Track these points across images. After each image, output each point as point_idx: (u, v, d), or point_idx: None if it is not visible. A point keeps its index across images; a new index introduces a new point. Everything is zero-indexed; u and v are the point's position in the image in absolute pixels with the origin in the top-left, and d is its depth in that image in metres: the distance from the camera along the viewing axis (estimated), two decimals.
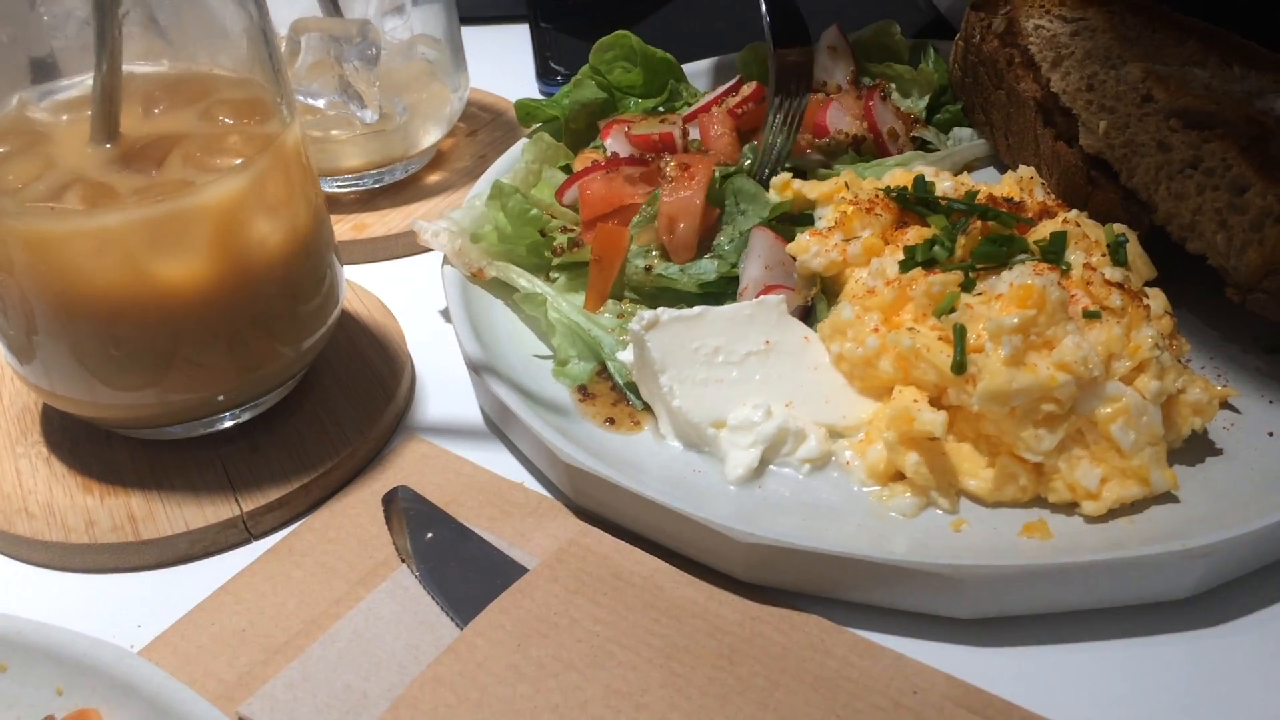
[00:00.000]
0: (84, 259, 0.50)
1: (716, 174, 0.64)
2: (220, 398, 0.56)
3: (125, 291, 0.50)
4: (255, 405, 0.58)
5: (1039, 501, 0.52)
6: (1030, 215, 0.61)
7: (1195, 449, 0.54)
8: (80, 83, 0.55)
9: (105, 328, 0.51)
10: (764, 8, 0.69)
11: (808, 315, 0.62)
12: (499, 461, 0.58)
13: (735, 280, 0.62)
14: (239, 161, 0.52)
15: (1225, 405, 0.56)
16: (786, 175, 0.67)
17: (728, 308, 0.58)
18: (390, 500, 0.55)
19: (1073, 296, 0.53)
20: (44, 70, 0.56)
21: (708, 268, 0.62)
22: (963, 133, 0.78)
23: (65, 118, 0.55)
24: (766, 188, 0.67)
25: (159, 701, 0.42)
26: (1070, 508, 0.51)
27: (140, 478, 0.56)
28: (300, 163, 0.56)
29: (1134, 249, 0.58)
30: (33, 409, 0.60)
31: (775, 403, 0.55)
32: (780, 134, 0.69)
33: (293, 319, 0.56)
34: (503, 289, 0.66)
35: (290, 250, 0.55)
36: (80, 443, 0.58)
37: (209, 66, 0.57)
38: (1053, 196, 0.63)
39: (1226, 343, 0.61)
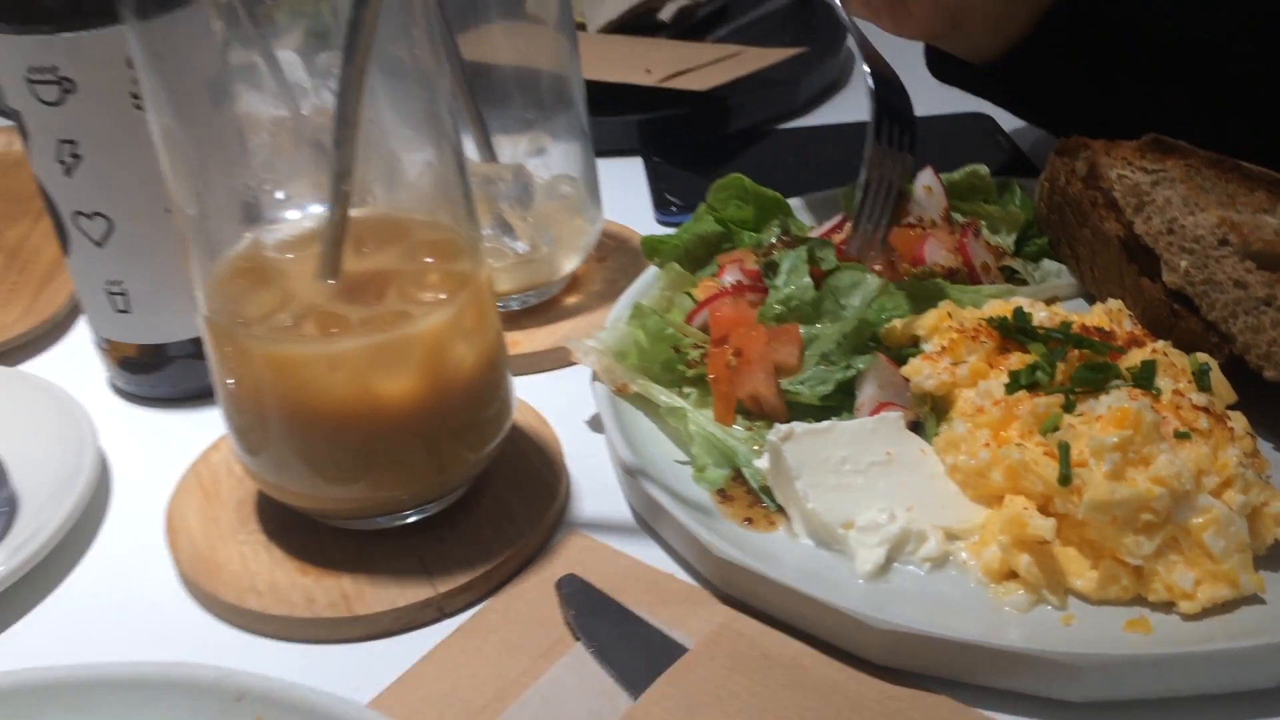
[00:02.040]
0: (319, 376, 0.60)
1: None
2: (407, 496, 0.65)
3: (351, 403, 0.60)
4: (441, 501, 0.67)
5: (1139, 600, 0.59)
6: (1120, 344, 0.68)
7: (1278, 556, 0.60)
8: (294, 225, 0.66)
9: (332, 433, 0.61)
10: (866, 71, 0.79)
11: (917, 429, 0.69)
12: (651, 555, 0.66)
13: (851, 389, 0.70)
14: (444, 296, 0.62)
15: None
16: (899, 322, 0.74)
17: (853, 423, 0.66)
18: (561, 586, 0.63)
19: (1164, 419, 0.61)
20: (252, 214, 0.67)
21: (826, 377, 0.70)
22: (1050, 265, 0.86)
23: (290, 256, 0.65)
24: (865, 261, 0.77)
25: None
26: (1168, 606, 0.58)
27: (349, 563, 0.65)
28: (490, 295, 0.66)
29: (1216, 376, 0.65)
30: (249, 502, 0.70)
31: (898, 507, 0.63)
32: (878, 197, 0.77)
33: (477, 427, 0.66)
34: (643, 402, 0.75)
35: (480, 369, 0.64)
36: (293, 532, 0.67)
37: (409, 212, 0.67)
38: (1140, 327, 0.71)
39: None
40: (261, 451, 0.64)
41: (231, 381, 0.63)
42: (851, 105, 1.27)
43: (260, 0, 0.63)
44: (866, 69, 0.82)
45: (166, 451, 0.76)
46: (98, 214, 0.76)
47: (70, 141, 0.74)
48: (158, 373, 0.83)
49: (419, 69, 0.62)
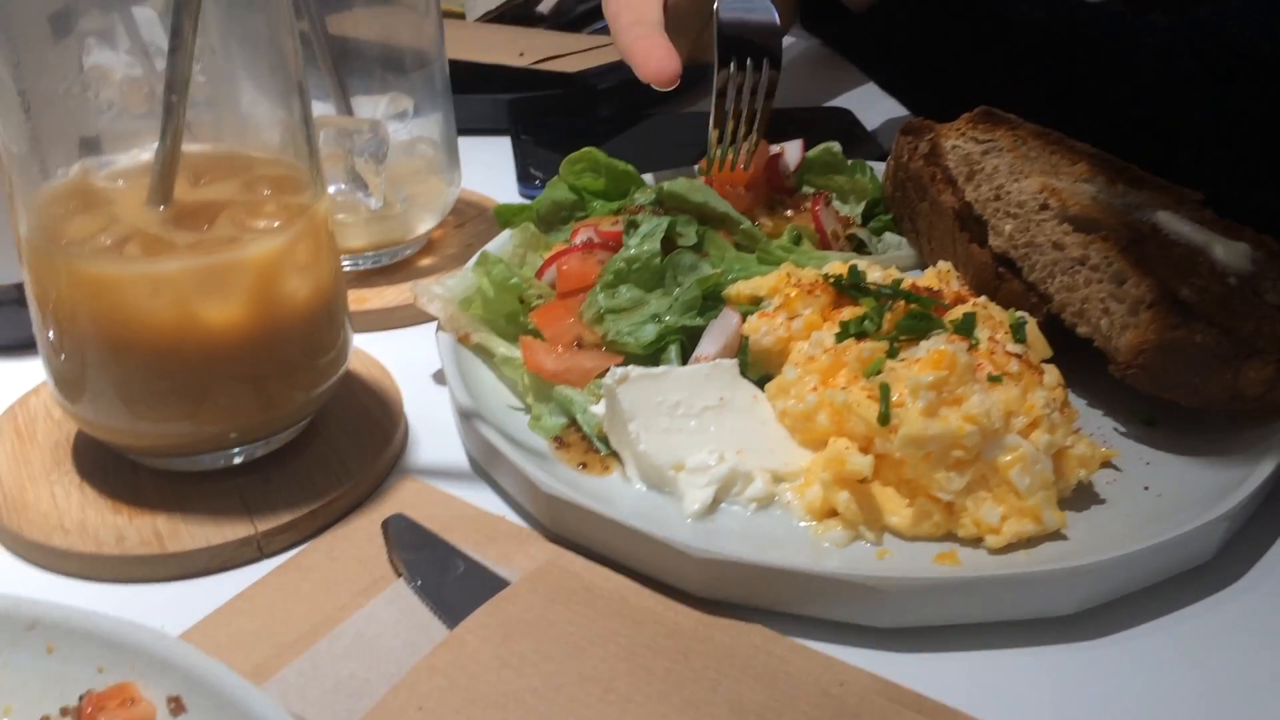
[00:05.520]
0: (140, 300, 0.58)
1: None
2: (234, 434, 0.63)
3: (173, 330, 0.59)
4: (269, 442, 0.66)
5: (950, 536, 0.61)
6: (947, 301, 0.71)
7: (1082, 498, 0.63)
8: (131, 156, 0.64)
9: (153, 363, 0.59)
10: None
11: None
12: (484, 499, 0.66)
13: (676, 337, 0.71)
14: (277, 224, 0.61)
15: (1109, 465, 0.66)
16: (740, 286, 0.76)
17: (688, 368, 0.67)
18: (388, 525, 0.62)
19: (979, 364, 0.63)
20: (90, 147, 0.65)
21: (650, 331, 0.71)
22: (892, 239, 0.89)
23: (121, 183, 0.63)
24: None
25: (193, 674, 0.48)
26: (976, 542, 0.60)
27: (165, 502, 0.62)
28: (327, 232, 0.65)
29: (1032, 330, 0.68)
30: (65, 444, 0.67)
31: (728, 450, 0.64)
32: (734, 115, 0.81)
33: (309, 366, 0.64)
34: (485, 353, 0.74)
35: (313, 305, 0.63)
36: (110, 472, 0.65)
37: (252, 148, 0.66)
38: (966, 287, 0.73)
39: (1113, 415, 0.71)
40: (79, 386, 0.61)
41: (49, 309, 0.61)
42: None
43: None
44: None
45: None
46: None
47: None
48: None
49: (268, 12, 0.61)
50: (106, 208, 0.61)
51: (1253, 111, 0.87)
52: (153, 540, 0.60)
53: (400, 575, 0.59)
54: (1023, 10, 0.90)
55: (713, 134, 0.83)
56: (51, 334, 0.61)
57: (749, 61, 0.82)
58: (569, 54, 1.28)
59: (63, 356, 0.61)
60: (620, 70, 1.25)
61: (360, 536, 0.62)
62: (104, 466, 0.65)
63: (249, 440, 0.64)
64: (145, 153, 0.62)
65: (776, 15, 0.84)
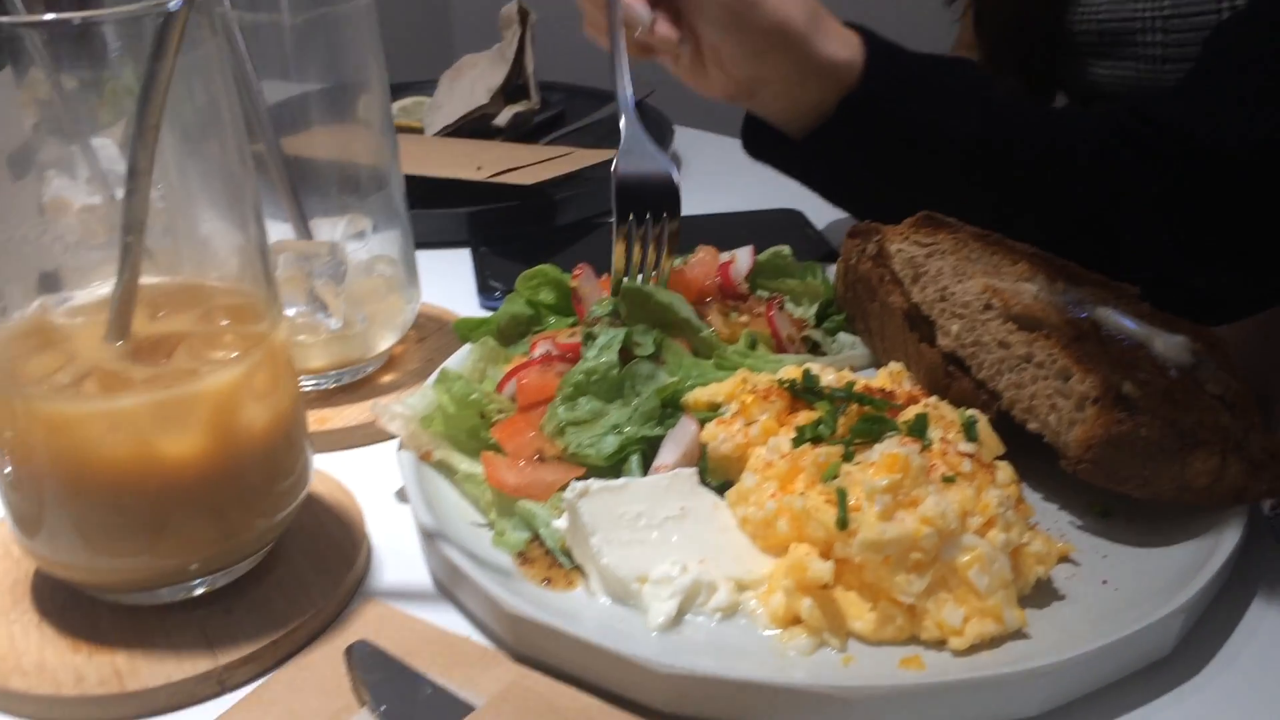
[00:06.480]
0: (98, 436, 0.58)
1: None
2: (195, 565, 0.63)
3: (132, 465, 0.59)
4: (229, 572, 0.65)
5: (914, 640, 0.61)
6: (900, 402, 0.72)
7: (1042, 595, 0.64)
8: (89, 291, 0.65)
9: (111, 498, 0.59)
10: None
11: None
12: (448, 620, 0.66)
13: (637, 447, 0.72)
14: (235, 354, 0.62)
15: (1067, 560, 0.67)
16: (698, 393, 0.77)
17: (648, 479, 0.68)
18: (351, 652, 0.61)
19: (932, 465, 0.64)
20: (49, 283, 0.65)
21: (611, 442, 0.72)
22: (846, 338, 0.91)
23: (80, 320, 0.64)
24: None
25: None
26: (940, 644, 0.60)
27: (125, 638, 0.62)
28: (285, 358, 0.65)
29: (984, 428, 0.70)
30: (24, 582, 0.66)
31: (691, 560, 0.64)
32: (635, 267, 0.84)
33: (269, 493, 0.64)
34: (448, 470, 0.75)
35: (272, 432, 0.64)
36: (68, 610, 0.64)
37: (208, 279, 0.67)
38: (918, 387, 0.75)
39: (1068, 509, 0.72)
40: (37, 524, 0.61)
41: (5, 447, 0.61)
42: None
43: (84, 100, 0.64)
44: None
45: None
46: None
47: None
48: None
49: (222, 140, 0.63)
50: (64, 345, 0.62)
51: (1192, 195, 0.89)
52: (112, 679, 0.59)
53: (364, 704, 0.59)
54: (956, 125, 0.93)
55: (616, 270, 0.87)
56: (8, 471, 0.61)
57: (649, 215, 0.86)
58: (526, 165, 1.31)
59: (20, 494, 0.61)
60: (577, 181, 1.29)
61: (323, 665, 0.62)
62: (63, 604, 0.64)
63: (209, 571, 0.64)
64: (104, 286, 0.63)
65: (674, 171, 0.87)
